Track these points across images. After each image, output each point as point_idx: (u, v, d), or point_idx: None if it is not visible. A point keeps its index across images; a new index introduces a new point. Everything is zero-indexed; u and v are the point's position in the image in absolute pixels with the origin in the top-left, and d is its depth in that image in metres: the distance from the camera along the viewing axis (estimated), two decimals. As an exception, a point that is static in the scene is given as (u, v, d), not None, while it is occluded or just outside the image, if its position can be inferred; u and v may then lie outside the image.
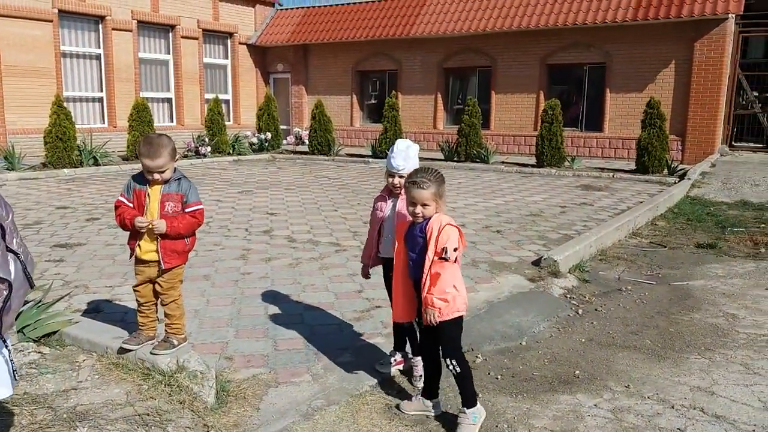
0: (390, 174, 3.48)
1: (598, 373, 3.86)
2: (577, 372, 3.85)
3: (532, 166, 14.63)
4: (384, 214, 3.57)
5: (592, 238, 6.82)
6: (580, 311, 4.99)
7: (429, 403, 3.27)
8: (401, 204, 3.44)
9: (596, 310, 5.04)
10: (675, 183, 11.93)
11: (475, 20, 17.70)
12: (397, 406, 3.32)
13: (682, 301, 5.29)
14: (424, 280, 3.00)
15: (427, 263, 3.00)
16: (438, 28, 18.24)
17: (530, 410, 3.36)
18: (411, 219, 3.16)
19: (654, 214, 8.95)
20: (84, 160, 13.85)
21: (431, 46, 18.94)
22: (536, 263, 6.05)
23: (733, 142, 16.91)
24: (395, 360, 3.73)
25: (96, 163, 14.08)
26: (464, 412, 3.10)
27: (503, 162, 15.64)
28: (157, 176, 3.28)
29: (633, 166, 13.96)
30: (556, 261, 5.84)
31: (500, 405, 3.41)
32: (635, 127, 15.17)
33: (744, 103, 16.95)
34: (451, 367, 3.11)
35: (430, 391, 3.30)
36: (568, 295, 5.37)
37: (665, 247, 7.21)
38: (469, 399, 3.12)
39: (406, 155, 3.41)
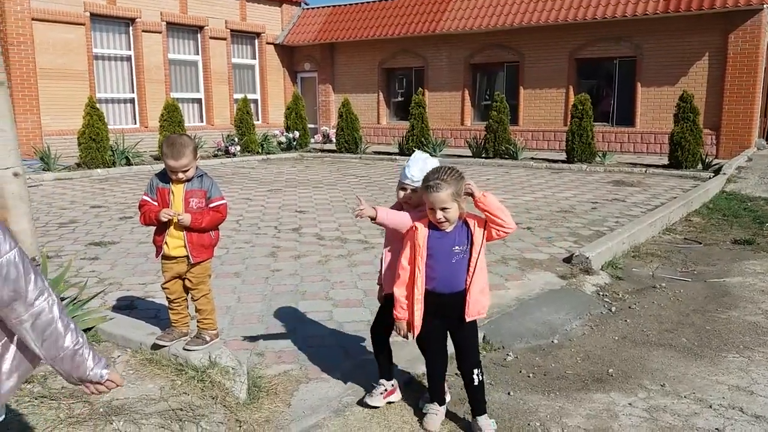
0: (402, 186, 3.05)
1: (632, 371, 3.78)
2: (611, 370, 3.79)
3: (562, 162, 14.45)
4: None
5: (624, 234, 6.70)
6: (613, 309, 4.91)
7: (444, 408, 3.18)
8: (416, 215, 3.04)
9: (630, 307, 4.95)
10: (710, 178, 11.66)
11: (502, 15, 17.54)
12: (422, 426, 3.10)
13: (718, 298, 5.16)
14: (469, 282, 2.87)
15: (474, 257, 2.84)
16: (464, 23, 18.12)
17: (563, 409, 3.31)
18: (411, 225, 2.92)
19: (688, 209, 8.76)
20: (117, 160, 14.11)
21: (458, 42, 18.83)
22: (568, 260, 5.97)
23: (770, 136, 16.48)
24: (386, 390, 3.28)
25: (128, 163, 14.34)
26: (487, 419, 3.02)
27: (532, 158, 15.48)
28: (181, 175, 3.33)
29: (666, 161, 13.69)
30: (588, 258, 5.75)
31: (532, 403, 3.37)
32: (668, 121, 14.87)
33: (781, 95, 16.48)
34: (476, 378, 2.99)
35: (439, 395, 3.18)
36: (601, 293, 5.28)
37: (700, 243, 7.05)
38: (484, 405, 3.06)
39: (423, 167, 2.95)
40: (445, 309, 2.93)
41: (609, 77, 17.01)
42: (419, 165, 2.96)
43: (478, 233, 2.87)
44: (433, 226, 2.87)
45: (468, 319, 2.92)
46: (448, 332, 3.04)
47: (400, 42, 19.83)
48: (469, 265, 2.87)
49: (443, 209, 2.77)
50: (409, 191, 3.01)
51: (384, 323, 3.20)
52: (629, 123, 16.56)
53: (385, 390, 3.23)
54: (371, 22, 20.20)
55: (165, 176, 3.41)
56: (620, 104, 16.80)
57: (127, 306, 4.72)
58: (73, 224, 8.05)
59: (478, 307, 2.92)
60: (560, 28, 16.93)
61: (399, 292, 2.93)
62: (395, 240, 3.06)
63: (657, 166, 13.47)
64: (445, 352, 3.10)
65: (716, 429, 3.09)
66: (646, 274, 5.87)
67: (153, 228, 3.52)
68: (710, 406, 3.32)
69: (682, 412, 3.27)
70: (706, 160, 13.06)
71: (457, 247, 2.85)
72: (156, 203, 3.42)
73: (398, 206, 3.13)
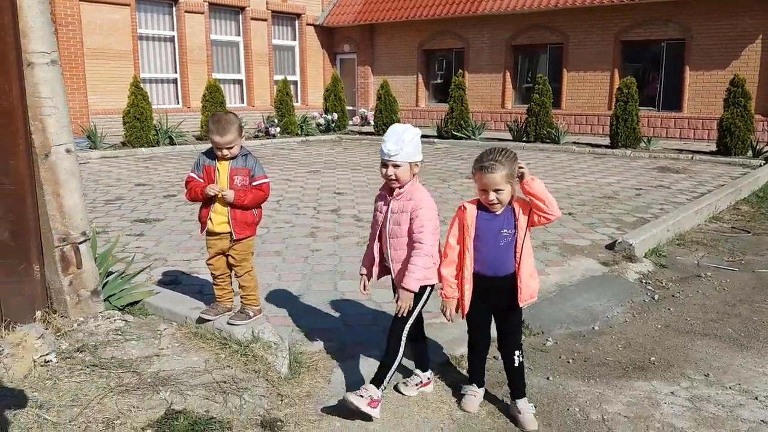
0: (383, 164, 2.90)
1: (675, 360, 3.72)
2: (653, 358, 3.73)
3: (606, 146, 14.15)
4: (381, 215, 3.02)
5: (669, 221, 6.55)
6: (656, 297, 4.82)
7: (482, 390, 3.18)
8: (397, 204, 2.92)
9: (673, 296, 4.85)
10: (760, 165, 11.28)
11: (547, -4, 17.17)
12: (461, 406, 3.11)
13: (766, 289, 5.01)
14: (518, 266, 2.85)
15: (520, 242, 2.82)
16: (507, 4, 17.79)
17: (603, 395, 3.28)
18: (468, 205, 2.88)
19: (736, 197, 8.50)
20: (160, 139, 14.39)
21: (500, 23, 18.52)
22: (610, 247, 5.87)
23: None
24: (421, 381, 3.24)
25: (171, 143, 14.61)
26: (526, 402, 3.02)
27: (575, 142, 15.20)
28: (225, 152, 3.39)
29: (713, 148, 13.28)
30: (631, 245, 5.65)
31: (571, 389, 3.35)
32: (716, 106, 14.39)
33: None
34: (516, 360, 2.99)
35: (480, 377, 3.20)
36: (644, 280, 5.19)
37: (749, 232, 6.84)
38: (524, 388, 3.04)
39: (399, 139, 2.83)
40: (493, 293, 2.93)
41: (656, 60, 16.52)
42: (394, 138, 2.85)
43: (522, 217, 2.84)
44: (482, 207, 2.86)
45: (521, 305, 2.91)
46: (492, 315, 3.04)
47: (440, 23, 19.60)
48: (515, 249, 2.85)
49: (496, 191, 2.74)
50: (390, 167, 2.87)
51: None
52: (676, 108, 16.09)
53: (420, 381, 3.21)
54: (412, 2, 20.00)
55: (211, 154, 3.48)
56: (667, 88, 16.32)
57: (172, 281, 4.84)
58: (118, 201, 8.27)
59: (529, 291, 2.91)
60: (606, 9, 16.47)
61: (447, 271, 2.93)
62: (402, 234, 2.92)
63: (704, 153, 13.08)
64: (488, 335, 3.11)
65: (762, 421, 3.02)
66: (691, 262, 5.74)
67: (197, 206, 3.60)
68: (756, 398, 3.24)
69: (727, 402, 3.20)
70: (757, 147, 12.62)
71: (505, 230, 2.83)
72: (202, 180, 3.50)
73: (386, 186, 3.00)
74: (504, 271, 2.87)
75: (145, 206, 7.93)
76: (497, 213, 2.84)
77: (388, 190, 2.98)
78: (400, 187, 2.90)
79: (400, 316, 2.88)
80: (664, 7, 15.61)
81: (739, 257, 5.90)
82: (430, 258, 2.87)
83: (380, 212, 3.02)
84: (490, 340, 3.14)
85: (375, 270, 3.12)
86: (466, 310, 2.96)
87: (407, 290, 2.83)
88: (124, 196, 8.60)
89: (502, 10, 17.86)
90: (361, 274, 3.18)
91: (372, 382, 2.95)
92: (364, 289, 3.15)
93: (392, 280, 3.07)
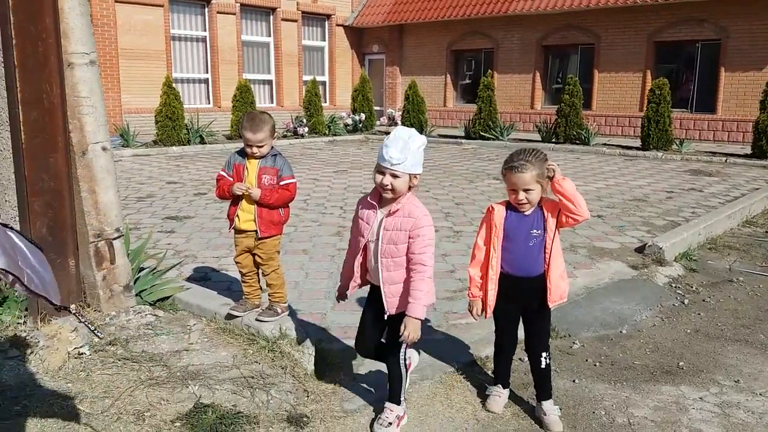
0: (379, 170, 2.58)
1: (704, 365, 3.66)
2: (681, 363, 3.68)
3: (637, 148, 13.95)
4: (370, 229, 2.70)
5: (701, 225, 6.44)
6: (686, 301, 4.75)
7: (507, 390, 3.19)
8: (393, 221, 2.62)
9: (704, 300, 4.78)
10: (797, 169, 11.00)
11: (578, -4, 16.98)
12: (485, 407, 3.10)
13: (802, 295, 4.90)
14: (547, 266, 2.84)
15: (549, 242, 2.82)
16: (538, 4, 17.65)
17: (629, 399, 3.25)
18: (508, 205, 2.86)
19: (772, 201, 8.31)
20: (191, 138, 14.63)
21: (530, 23, 18.38)
22: (640, 250, 5.80)
23: None
24: (397, 417, 2.90)
25: (202, 142, 14.85)
26: (552, 405, 3.01)
27: (605, 144, 15.02)
28: (255, 150, 3.45)
29: (748, 151, 13.00)
30: (661, 248, 5.57)
31: (598, 392, 3.33)
32: (752, 108, 14.08)
33: None
34: (543, 361, 2.98)
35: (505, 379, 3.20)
36: (674, 284, 5.11)
37: (784, 237, 6.69)
38: (550, 390, 3.03)
39: (404, 146, 2.52)
40: (523, 294, 2.93)
41: (689, 61, 16.22)
42: (399, 145, 2.52)
43: (551, 219, 2.84)
44: (511, 208, 2.86)
45: (551, 306, 2.91)
46: (521, 317, 3.05)
47: (470, 23, 19.53)
48: (545, 250, 2.85)
49: (526, 190, 2.75)
50: (388, 176, 2.54)
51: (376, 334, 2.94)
52: (710, 109, 15.77)
53: (397, 417, 2.87)
54: (441, 3, 19.97)
55: (242, 153, 3.55)
56: (700, 90, 16.00)
57: (202, 278, 4.93)
58: (150, 198, 8.43)
59: (559, 292, 2.90)
60: (639, 10, 16.23)
61: (474, 272, 2.96)
62: (398, 254, 2.68)
63: (738, 156, 12.80)
64: (516, 336, 3.11)
65: (794, 429, 2.97)
66: (722, 267, 5.64)
67: (226, 204, 3.67)
68: (788, 406, 3.18)
69: (757, 409, 3.15)
70: (794, 150, 12.32)
71: (534, 231, 2.83)
72: (231, 178, 3.56)
73: (376, 194, 2.69)
74: (534, 271, 2.87)
75: (176, 204, 8.07)
76: (527, 213, 2.84)
77: (378, 200, 2.68)
78: (394, 200, 2.62)
79: (402, 342, 2.69)
80: (699, 7, 15.32)
81: (774, 263, 5.78)
82: (431, 280, 2.68)
83: (367, 224, 2.70)
84: (517, 340, 3.14)
85: (353, 284, 2.88)
86: (490, 310, 2.96)
87: (415, 319, 2.61)
88: (155, 194, 8.77)
89: (532, 10, 17.72)
90: (340, 298, 2.99)
91: (390, 400, 2.89)
92: (341, 298, 2.98)
93: (370, 294, 2.88)
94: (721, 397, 3.28)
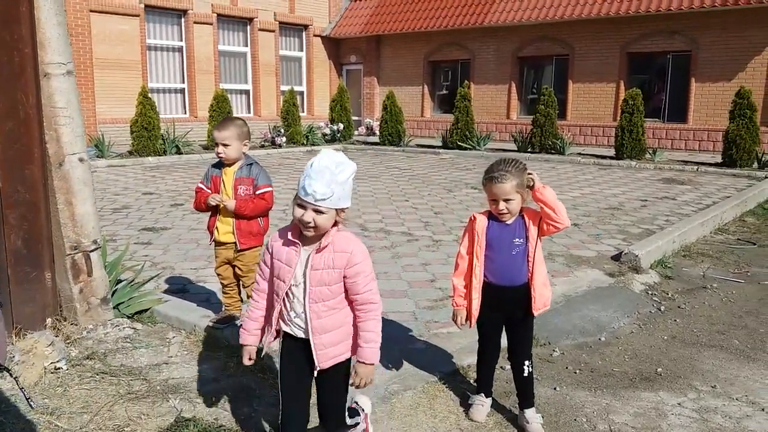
0: (300, 204, 2.17)
1: (681, 371, 3.73)
2: (660, 369, 3.74)
3: (611, 158, 14.17)
4: (292, 272, 2.26)
5: (675, 233, 6.56)
6: (662, 308, 4.83)
7: (490, 399, 3.20)
8: (322, 258, 2.23)
9: (679, 307, 4.86)
10: (766, 177, 11.27)
11: (552, 7, 17.25)
12: (468, 416, 3.11)
13: (773, 301, 5.02)
14: (531, 275, 2.87)
15: (532, 251, 2.85)
16: (513, 16, 17.90)
17: (610, 406, 3.29)
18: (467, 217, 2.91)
19: (742, 209, 8.50)
20: (167, 148, 14.49)
21: (506, 35, 18.62)
22: (616, 258, 5.88)
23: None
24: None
25: (178, 152, 14.71)
26: (534, 413, 3.03)
27: (580, 153, 15.23)
28: (221, 149, 3.45)
29: (719, 159, 13.29)
30: (637, 256, 5.66)
31: (578, 399, 3.36)
32: (722, 118, 14.42)
33: None
34: (526, 369, 3.01)
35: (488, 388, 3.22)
36: (650, 292, 5.19)
37: (755, 244, 6.84)
38: (532, 398, 3.06)
39: (331, 179, 2.13)
40: (507, 303, 2.95)
41: (661, 72, 16.56)
42: (325, 177, 2.13)
43: (533, 227, 2.87)
44: (493, 217, 2.90)
45: (536, 313, 2.94)
46: (503, 326, 3.07)
47: (447, 34, 19.72)
48: (528, 258, 2.88)
49: (506, 200, 2.78)
50: (310, 211, 2.15)
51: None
52: (681, 119, 16.11)
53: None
54: (418, 14, 20.14)
55: (219, 165, 3.54)
56: (672, 100, 16.35)
57: (180, 290, 4.87)
58: (126, 210, 8.33)
59: (543, 300, 2.93)
60: (612, 21, 16.55)
61: (458, 281, 2.98)
62: (330, 297, 2.28)
63: (709, 164, 13.08)
64: (499, 344, 3.13)
65: (769, 433, 3.03)
66: (696, 274, 5.75)
67: (204, 215, 3.66)
68: (763, 409, 3.25)
69: (734, 414, 3.21)
70: (762, 159, 12.62)
71: (517, 240, 2.86)
72: (210, 190, 3.55)
73: (296, 230, 2.27)
74: (518, 280, 2.90)
75: (152, 215, 7.98)
76: (508, 223, 2.87)
77: (298, 236, 2.26)
78: (320, 236, 2.23)
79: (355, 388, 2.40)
80: (670, 20, 15.68)
81: (745, 269, 5.90)
82: (380, 319, 2.36)
83: (288, 266, 2.26)
84: (500, 349, 3.16)
85: (269, 339, 2.42)
86: (474, 319, 2.98)
87: (369, 364, 2.31)
88: (131, 205, 8.66)
89: (508, 21, 17.97)
90: (245, 345, 2.43)
91: None
92: (249, 360, 2.43)
93: (286, 348, 2.40)
94: (699, 403, 3.33)
